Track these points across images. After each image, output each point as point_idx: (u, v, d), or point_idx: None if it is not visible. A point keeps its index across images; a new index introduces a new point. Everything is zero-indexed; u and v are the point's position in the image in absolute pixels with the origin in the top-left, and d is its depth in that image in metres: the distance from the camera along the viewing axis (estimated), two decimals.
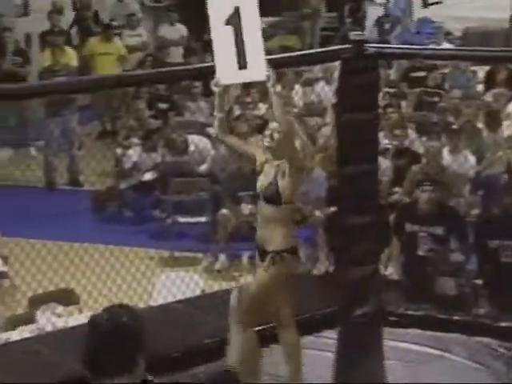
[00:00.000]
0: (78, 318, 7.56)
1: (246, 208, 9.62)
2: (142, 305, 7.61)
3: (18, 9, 14.80)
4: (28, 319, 7.57)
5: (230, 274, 9.22)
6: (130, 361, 2.96)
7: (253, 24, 5.45)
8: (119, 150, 11.46)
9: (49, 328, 7.28)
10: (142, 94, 12.54)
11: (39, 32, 14.08)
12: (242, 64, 5.43)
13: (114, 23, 14.55)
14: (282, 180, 5.40)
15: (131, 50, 14.19)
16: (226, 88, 5.76)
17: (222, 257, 9.55)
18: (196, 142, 10.97)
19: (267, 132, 5.52)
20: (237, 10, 5.41)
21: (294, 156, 5.44)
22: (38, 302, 7.75)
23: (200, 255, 9.71)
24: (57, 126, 11.95)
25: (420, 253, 7.79)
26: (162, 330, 6.23)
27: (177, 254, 9.77)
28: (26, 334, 7.10)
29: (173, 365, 6.00)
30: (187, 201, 10.35)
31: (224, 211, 9.62)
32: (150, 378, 3.01)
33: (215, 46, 5.50)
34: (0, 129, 12.17)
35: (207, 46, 14.64)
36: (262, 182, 5.50)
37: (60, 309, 7.74)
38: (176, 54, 14.54)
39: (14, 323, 7.51)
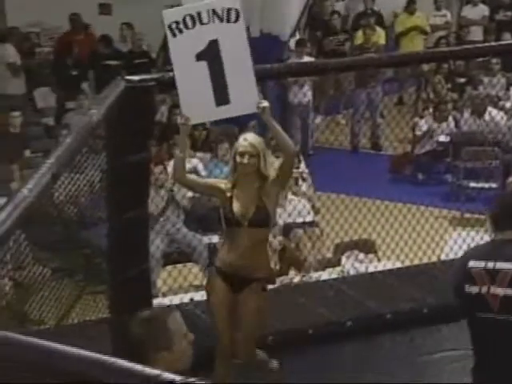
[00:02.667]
0: (377, 265, 7.76)
1: None
2: (434, 259, 7.64)
3: None
4: (334, 262, 7.88)
5: None
6: None
7: (240, 55, 4.70)
8: (416, 119, 11.56)
9: (352, 272, 7.53)
10: (442, 69, 12.49)
11: (354, 13, 14.33)
12: (222, 100, 4.70)
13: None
14: (269, 201, 4.74)
15: (435, 28, 14.12)
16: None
17: None
18: (493, 114, 10.79)
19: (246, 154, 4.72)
20: (212, 44, 4.67)
21: (284, 175, 4.84)
22: (343, 248, 8.03)
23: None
24: (364, 96, 12.19)
25: None
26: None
27: (466, 215, 9.70)
28: (333, 275, 7.41)
29: (457, 312, 5.99)
30: (478, 167, 10.26)
31: None
32: None
33: (180, 85, 4.67)
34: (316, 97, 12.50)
35: (502, 26, 14.37)
36: (240, 207, 4.72)
37: (362, 256, 7.97)
38: (477, 33, 14.26)
39: (323, 265, 7.85)
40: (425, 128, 11.14)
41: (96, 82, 11.74)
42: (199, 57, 4.67)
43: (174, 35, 4.67)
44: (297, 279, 7.60)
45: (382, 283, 6.38)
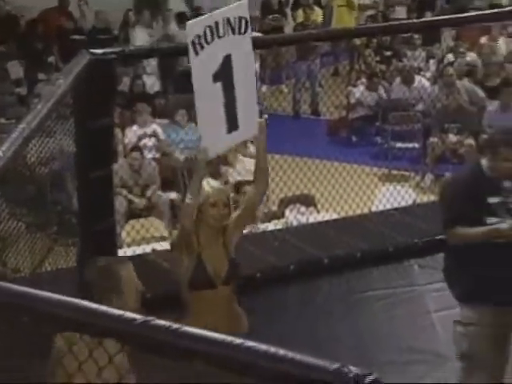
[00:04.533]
0: (316, 217, 7.79)
1: (453, 137, 9.49)
2: (366, 211, 7.69)
3: None
4: (279, 215, 7.88)
5: (435, 189, 9.14)
6: None
7: (247, 72, 3.59)
8: (350, 88, 11.59)
9: (294, 223, 7.54)
10: (371, 43, 12.50)
11: None
12: (233, 125, 3.55)
13: None
14: (231, 249, 3.65)
15: (364, 8, 14.10)
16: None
17: (430, 176, 9.48)
18: (418, 79, 10.84)
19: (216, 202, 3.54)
20: (226, 61, 3.49)
21: (252, 213, 3.84)
22: (286, 202, 8.02)
23: (411, 174, 9.68)
24: (304, 68, 12.15)
25: None
26: (380, 230, 6.31)
27: (393, 172, 9.78)
28: (278, 226, 7.42)
29: (385, 256, 6.06)
30: (403, 130, 10.33)
31: (434, 139, 9.52)
32: None
33: (200, 114, 3.43)
34: (262, 69, 12.43)
35: (423, 5, 14.41)
36: (213, 266, 3.57)
37: (303, 209, 7.99)
38: (401, 12, 14.28)
39: (269, 217, 7.85)
40: (357, 95, 11.17)
41: (61, 55, 11.57)
42: (216, 77, 3.47)
43: (197, 53, 3.37)
44: (246, 230, 7.60)
45: (321, 232, 6.41)
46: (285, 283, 5.69)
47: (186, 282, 3.52)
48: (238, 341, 1.62)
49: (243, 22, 3.53)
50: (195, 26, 3.38)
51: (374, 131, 10.94)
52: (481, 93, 10.00)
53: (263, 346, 1.59)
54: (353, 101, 11.27)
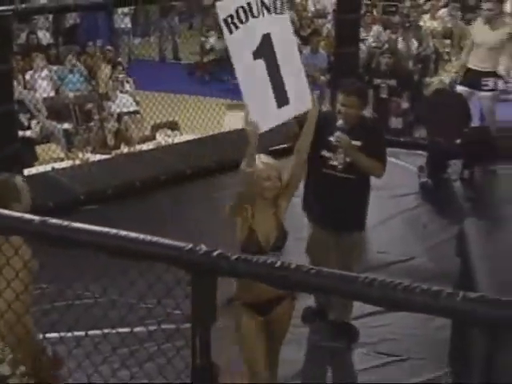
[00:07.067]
0: (180, 138, 7.73)
1: None
2: (217, 131, 7.68)
3: None
4: (151, 138, 7.76)
5: None
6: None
7: (289, 49, 3.10)
8: (202, 38, 11.40)
9: (163, 143, 7.46)
10: None
11: None
12: (283, 100, 3.04)
13: None
14: (282, 217, 3.08)
15: None
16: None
17: None
18: None
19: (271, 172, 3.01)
20: (265, 39, 2.99)
21: (296, 183, 3.14)
22: (156, 128, 7.90)
23: None
24: (166, 23, 11.80)
25: (382, 96, 7.74)
26: (229, 145, 6.33)
27: (235, 101, 9.73)
28: (151, 146, 7.32)
29: (235, 165, 6.08)
30: None
31: None
32: None
33: (245, 88, 2.86)
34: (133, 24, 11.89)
35: None
36: (263, 235, 3.02)
37: (169, 132, 7.90)
38: None
39: (143, 140, 7.71)
40: (211, 43, 11.08)
41: None
42: (256, 55, 2.95)
43: (231, 32, 2.87)
44: (125, 150, 7.48)
45: (184, 150, 6.42)
46: (158, 190, 5.67)
47: (239, 245, 3.03)
48: (115, 231, 1.59)
49: (278, 2, 3.06)
50: (225, 7, 2.88)
51: (226, 71, 10.85)
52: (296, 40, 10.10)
53: (133, 234, 1.56)
54: (208, 47, 11.13)
